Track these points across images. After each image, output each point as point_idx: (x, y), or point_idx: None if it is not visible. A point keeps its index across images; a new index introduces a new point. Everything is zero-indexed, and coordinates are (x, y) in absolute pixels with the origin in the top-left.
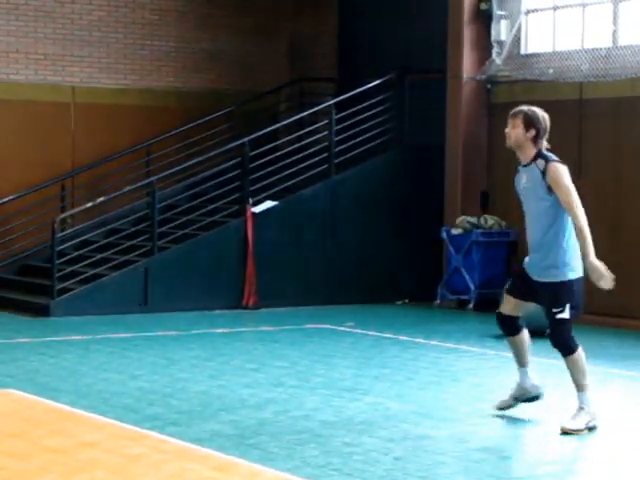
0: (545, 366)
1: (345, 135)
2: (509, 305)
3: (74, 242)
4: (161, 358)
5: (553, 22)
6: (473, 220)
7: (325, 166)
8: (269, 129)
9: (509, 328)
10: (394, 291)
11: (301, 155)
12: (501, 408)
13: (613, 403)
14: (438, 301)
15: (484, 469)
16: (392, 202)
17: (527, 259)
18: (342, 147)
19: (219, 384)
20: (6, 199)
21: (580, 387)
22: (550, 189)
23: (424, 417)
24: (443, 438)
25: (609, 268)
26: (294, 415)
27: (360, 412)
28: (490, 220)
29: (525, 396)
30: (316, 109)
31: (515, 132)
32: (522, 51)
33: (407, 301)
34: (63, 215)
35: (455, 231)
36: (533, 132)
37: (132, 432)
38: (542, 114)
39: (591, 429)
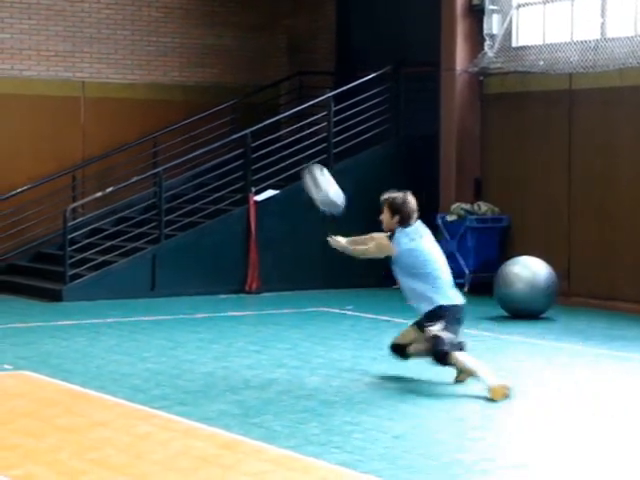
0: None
1: (343, 126)
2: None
3: (85, 230)
4: (168, 341)
5: (543, 15)
6: (467, 207)
7: (324, 156)
8: (270, 121)
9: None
10: (392, 276)
11: (301, 146)
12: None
13: (604, 382)
14: None
15: (481, 447)
16: (389, 190)
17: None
18: (340, 138)
19: (224, 365)
20: (20, 190)
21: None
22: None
23: (422, 397)
24: (441, 417)
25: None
26: (296, 395)
27: (359, 392)
28: (483, 206)
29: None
30: (315, 101)
31: (384, 218)
32: (513, 44)
33: None
34: (74, 205)
35: (450, 217)
36: (397, 217)
37: (141, 412)
38: (407, 198)
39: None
